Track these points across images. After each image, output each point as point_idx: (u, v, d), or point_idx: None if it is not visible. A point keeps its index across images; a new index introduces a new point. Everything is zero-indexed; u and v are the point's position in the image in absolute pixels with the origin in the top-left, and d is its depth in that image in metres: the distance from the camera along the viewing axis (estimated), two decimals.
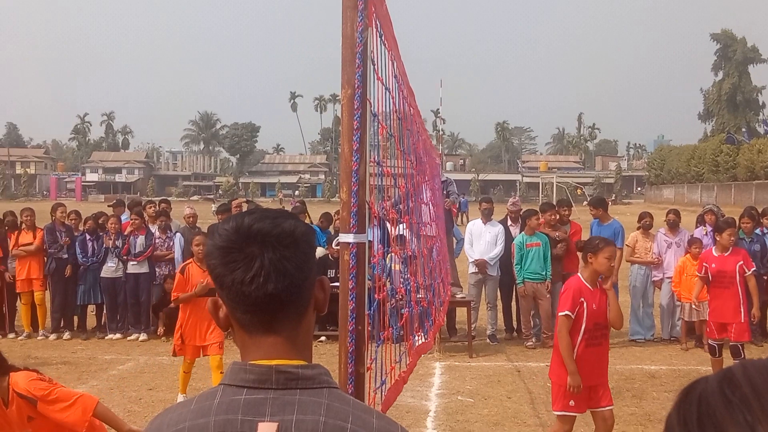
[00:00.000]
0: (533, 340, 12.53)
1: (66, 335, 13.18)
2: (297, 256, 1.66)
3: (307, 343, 1.73)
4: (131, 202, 16.00)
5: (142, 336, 13.02)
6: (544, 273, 12.41)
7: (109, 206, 15.94)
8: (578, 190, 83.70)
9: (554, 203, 14.79)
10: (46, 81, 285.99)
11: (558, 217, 13.01)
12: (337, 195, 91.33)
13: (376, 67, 2.97)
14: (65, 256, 13.16)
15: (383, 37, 3.20)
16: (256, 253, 1.63)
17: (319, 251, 13.29)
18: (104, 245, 13.06)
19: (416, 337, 5.98)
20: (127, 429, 5.25)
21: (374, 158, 3.23)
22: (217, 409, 1.60)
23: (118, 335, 13.11)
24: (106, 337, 13.10)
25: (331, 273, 12.94)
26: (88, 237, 13.26)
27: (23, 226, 13.35)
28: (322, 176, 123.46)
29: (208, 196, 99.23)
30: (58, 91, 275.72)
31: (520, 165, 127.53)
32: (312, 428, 1.57)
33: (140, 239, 13.13)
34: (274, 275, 1.62)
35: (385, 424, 1.65)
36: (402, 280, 5.26)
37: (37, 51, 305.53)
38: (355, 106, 2.60)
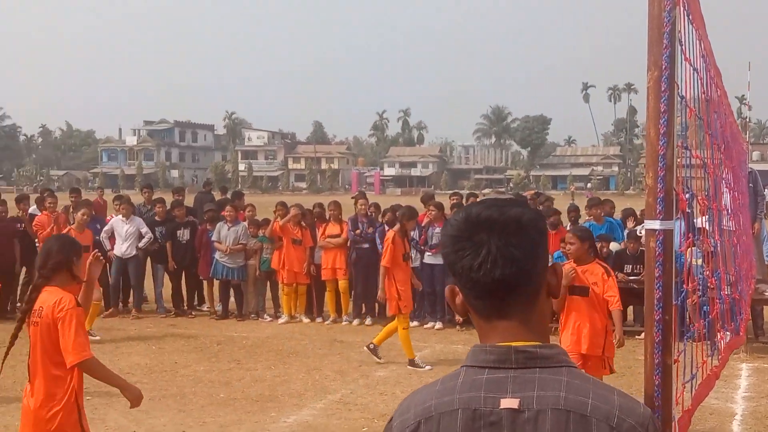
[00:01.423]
0: None
1: (368, 321, 13.89)
2: (524, 242, 1.70)
3: (542, 326, 1.76)
4: (425, 195, 16.47)
5: (438, 324, 13.40)
6: None
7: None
8: None
9: None
10: (349, 82, 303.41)
11: None
12: (631, 187, 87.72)
13: (683, 47, 2.84)
14: (366, 245, 13.86)
15: (690, 16, 3.06)
16: (483, 240, 1.69)
17: (613, 246, 12.93)
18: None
19: (727, 332, 5.66)
20: (121, 383, 5.07)
21: (681, 143, 3.10)
22: (460, 388, 1.69)
23: (415, 323, 13.57)
24: None
25: (627, 268, 12.56)
26: (387, 228, 13.85)
27: (330, 218, 14.26)
28: (616, 168, 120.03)
29: (500, 190, 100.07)
30: (359, 90, 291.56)
31: None
32: (553, 403, 1.62)
33: (438, 230, 13.52)
34: (501, 261, 1.68)
35: (627, 401, 1.66)
36: (709, 272, 4.99)
37: (340, 56, 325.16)
38: (662, 89, 2.51)
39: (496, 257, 1.68)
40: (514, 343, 1.69)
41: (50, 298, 4.83)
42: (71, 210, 14.98)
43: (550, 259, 1.58)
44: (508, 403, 1.63)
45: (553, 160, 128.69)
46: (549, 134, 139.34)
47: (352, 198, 15.82)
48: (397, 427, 1.74)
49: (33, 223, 14.30)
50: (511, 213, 1.72)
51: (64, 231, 12.80)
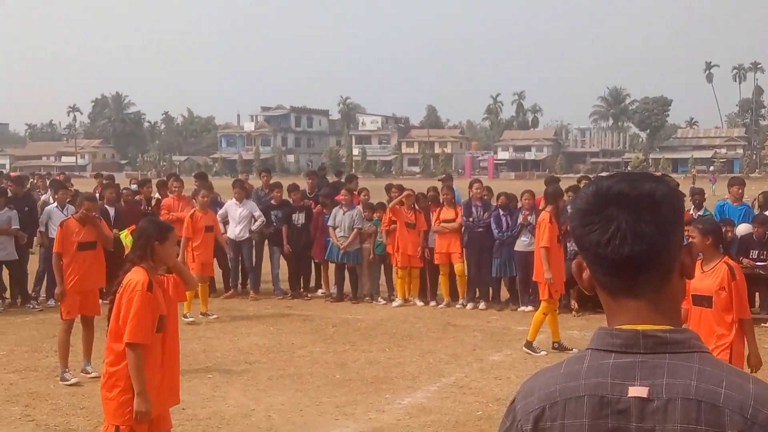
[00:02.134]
0: None
1: (481, 305, 13.81)
2: (656, 218, 1.62)
3: (673, 308, 1.69)
4: (549, 178, 16.17)
5: None
6: None
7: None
8: None
9: None
10: (463, 66, 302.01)
11: None
12: (756, 170, 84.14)
13: None
14: (480, 229, 13.76)
15: None
16: (613, 215, 1.63)
17: (740, 229, 12.46)
18: (519, 221, 13.42)
19: None
20: (139, 390, 4.98)
21: None
22: (586, 373, 1.63)
23: (530, 308, 13.42)
24: (519, 309, 13.50)
25: (753, 254, 12.09)
26: (501, 212, 13.74)
27: (444, 202, 14.21)
28: (740, 150, 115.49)
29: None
30: (472, 74, 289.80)
31: None
32: (683, 392, 1.55)
33: None
34: (630, 238, 1.61)
35: (764, 389, 1.57)
36: None
37: (453, 40, 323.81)
38: None
39: (626, 233, 1.61)
40: (641, 327, 1.62)
41: (131, 276, 5.09)
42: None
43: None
44: (637, 391, 1.58)
45: (673, 143, 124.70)
46: (669, 116, 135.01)
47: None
48: (521, 411, 1.70)
49: (160, 206, 14.90)
50: (644, 187, 1.64)
51: (189, 212, 13.31)
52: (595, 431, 1.59)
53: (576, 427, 1.61)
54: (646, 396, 1.57)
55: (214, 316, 12.91)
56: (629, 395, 1.58)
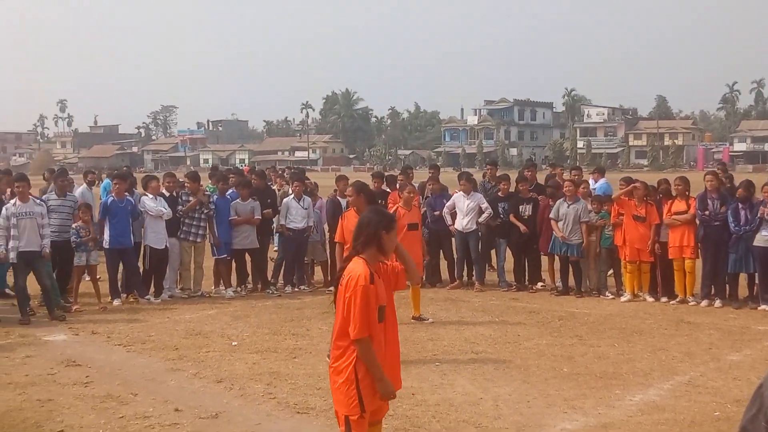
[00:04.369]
0: None
1: (717, 303, 13.13)
2: None
3: None
4: None
5: None
6: None
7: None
8: None
9: None
10: (696, 53, 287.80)
11: None
12: None
13: None
14: (717, 223, 13.08)
15: None
16: None
17: None
18: (758, 214, 12.64)
19: None
20: (379, 377, 4.99)
21: None
22: None
23: (764, 307, 12.65)
24: (759, 308, 12.73)
25: None
26: (740, 206, 13.02)
27: (677, 194, 13.66)
28: None
29: None
30: (706, 62, 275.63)
31: None
32: None
33: None
34: None
35: None
36: None
37: (685, 27, 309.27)
38: None
39: None
40: None
41: (353, 269, 5.06)
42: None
43: None
44: None
45: None
46: None
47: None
48: None
49: (387, 199, 15.37)
50: None
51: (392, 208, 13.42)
52: None
53: None
54: None
55: (430, 321, 12.14)
56: None
